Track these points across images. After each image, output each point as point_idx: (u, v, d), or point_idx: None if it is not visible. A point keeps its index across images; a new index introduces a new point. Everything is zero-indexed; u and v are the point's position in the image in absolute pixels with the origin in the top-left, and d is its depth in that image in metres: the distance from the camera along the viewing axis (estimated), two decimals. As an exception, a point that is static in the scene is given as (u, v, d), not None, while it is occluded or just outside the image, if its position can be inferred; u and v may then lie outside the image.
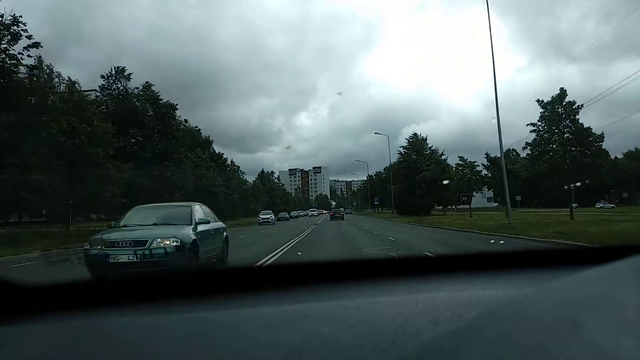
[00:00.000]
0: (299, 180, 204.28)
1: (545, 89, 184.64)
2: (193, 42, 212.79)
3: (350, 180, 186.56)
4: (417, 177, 59.89)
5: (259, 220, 47.82)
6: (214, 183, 50.23)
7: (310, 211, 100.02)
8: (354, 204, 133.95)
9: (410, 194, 60.00)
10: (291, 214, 79.31)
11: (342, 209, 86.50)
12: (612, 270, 0.68)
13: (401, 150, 68.24)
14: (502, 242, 14.39)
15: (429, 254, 1.41)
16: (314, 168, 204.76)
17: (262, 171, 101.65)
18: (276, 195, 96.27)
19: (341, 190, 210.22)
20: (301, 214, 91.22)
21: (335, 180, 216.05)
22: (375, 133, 61.79)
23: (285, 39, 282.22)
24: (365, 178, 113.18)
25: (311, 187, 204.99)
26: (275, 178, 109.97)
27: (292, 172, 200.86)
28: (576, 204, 72.58)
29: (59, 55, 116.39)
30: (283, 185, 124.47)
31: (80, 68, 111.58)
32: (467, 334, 0.54)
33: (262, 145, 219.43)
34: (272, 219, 48.27)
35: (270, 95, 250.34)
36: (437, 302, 0.81)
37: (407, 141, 67.67)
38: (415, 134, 68.50)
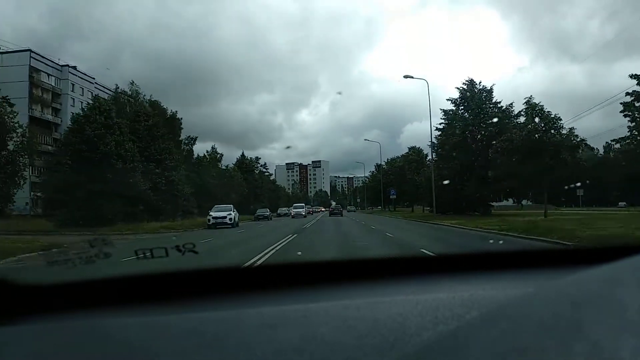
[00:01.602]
0: (297, 175, 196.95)
1: (548, 88, 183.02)
2: (194, 38, 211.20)
3: (352, 176, 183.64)
4: (484, 147, 36.13)
5: (209, 220, 30.04)
6: (118, 155, 31.23)
7: (295, 208, 55.66)
8: (358, 200, 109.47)
9: (462, 181, 36.19)
10: (279, 212, 60.59)
11: (349, 206, 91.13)
12: (612, 270, 0.68)
13: (447, 109, 40.04)
14: (501, 242, 14.25)
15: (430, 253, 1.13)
16: (313, 162, 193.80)
17: (243, 155, 72.55)
18: (259, 186, 70.17)
19: (342, 187, 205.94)
20: (292, 211, 58.88)
21: (336, 177, 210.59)
22: (406, 77, 37.37)
23: (287, 35, 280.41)
24: (369, 173, 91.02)
25: (310, 183, 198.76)
26: (260, 165, 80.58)
27: (289, 166, 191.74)
28: (624, 203, 59.96)
29: (60, 48, 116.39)
30: (271, 174, 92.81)
31: (81, 62, 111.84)
32: (468, 334, 0.54)
33: (263, 141, 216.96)
34: (231, 219, 30.41)
35: (271, 92, 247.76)
36: (437, 302, 0.81)
37: (458, 91, 39.32)
38: (471, 80, 38.84)
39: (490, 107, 38.38)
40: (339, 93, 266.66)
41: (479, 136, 37.86)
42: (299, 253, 12.07)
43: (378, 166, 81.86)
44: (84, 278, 1.06)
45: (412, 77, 37.22)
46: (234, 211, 32.04)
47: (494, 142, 36.62)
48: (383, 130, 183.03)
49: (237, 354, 0.66)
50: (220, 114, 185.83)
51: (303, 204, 61.09)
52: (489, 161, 36.57)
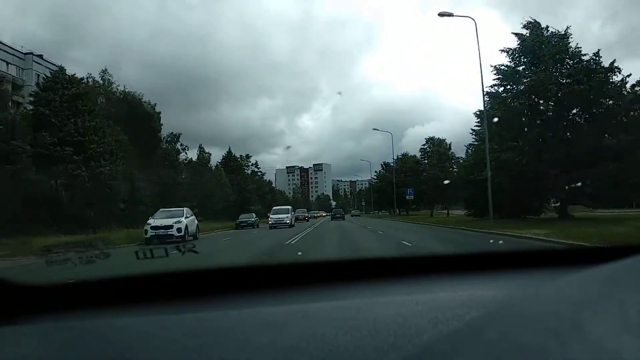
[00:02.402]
0: (297, 179, 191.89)
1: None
2: (195, 44, 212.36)
3: (356, 179, 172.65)
4: (559, 116, 24.22)
5: (145, 232, 20.23)
6: None
7: (274, 214, 35.69)
8: (363, 204, 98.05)
9: (532, 167, 23.39)
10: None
11: (353, 210, 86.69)
12: (612, 270, 0.68)
13: (499, 66, 26.05)
14: (501, 242, 13.79)
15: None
16: (314, 165, 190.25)
17: (229, 152, 61.29)
18: (249, 188, 59.25)
19: (344, 191, 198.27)
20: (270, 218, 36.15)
21: (338, 180, 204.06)
22: (442, 14, 23.14)
23: (288, 40, 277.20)
24: (375, 173, 74.94)
25: (312, 187, 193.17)
26: (252, 164, 70.54)
27: (290, 169, 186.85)
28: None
29: (61, 55, 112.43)
30: (263, 174, 78.04)
31: (82, 68, 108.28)
32: (467, 335, 0.54)
33: (264, 147, 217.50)
34: (181, 229, 20.24)
35: (272, 97, 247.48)
36: (438, 302, 0.82)
37: (517, 39, 25.98)
38: (535, 22, 25.89)
39: (566, 59, 24.73)
40: (339, 93, 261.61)
41: (553, 99, 24.74)
42: (300, 253, 11.91)
43: (386, 165, 68.96)
44: (84, 278, 1.06)
45: (452, 15, 24.33)
46: (187, 217, 21.40)
47: (574, 110, 24.84)
48: (385, 134, 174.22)
49: (237, 354, 0.67)
50: (222, 120, 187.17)
51: (288, 207, 38.15)
52: (575, 136, 24.07)
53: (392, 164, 60.05)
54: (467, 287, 1.04)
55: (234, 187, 54.32)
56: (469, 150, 35.49)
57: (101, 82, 46.13)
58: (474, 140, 33.91)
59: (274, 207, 39.20)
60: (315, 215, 74.30)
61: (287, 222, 33.20)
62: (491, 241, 14.45)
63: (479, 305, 0.77)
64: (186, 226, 20.55)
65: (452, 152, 53.20)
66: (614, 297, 0.56)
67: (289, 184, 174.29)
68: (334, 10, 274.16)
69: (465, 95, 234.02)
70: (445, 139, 55.29)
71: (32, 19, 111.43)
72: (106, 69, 46.52)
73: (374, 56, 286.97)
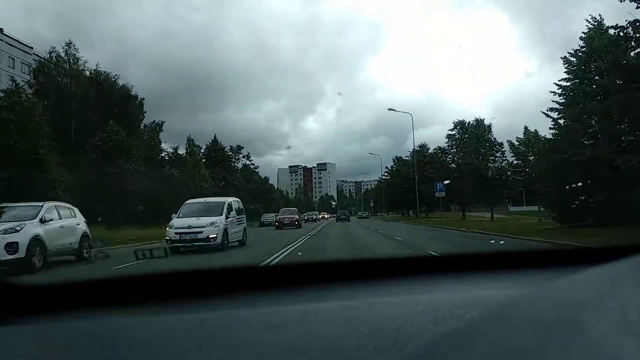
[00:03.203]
0: (300, 179, 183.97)
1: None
2: (200, 46, 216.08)
3: (360, 180, 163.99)
4: None
5: None
6: None
7: (184, 217, 15.04)
8: (371, 204, 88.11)
9: None
10: (262, 219, 41.89)
11: (360, 212, 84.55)
12: (612, 270, 0.69)
13: None
14: (502, 242, 13.94)
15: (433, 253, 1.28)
16: (318, 164, 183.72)
17: (215, 140, 54.81)
18: (231, 181, 50.62)
19: (349, 191, 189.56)
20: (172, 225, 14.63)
21: (342, 181, 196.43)
22: None
23: (293, 42, 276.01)
24: (383, 174, 68.15)
25: (315, 187, 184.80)
26: (243, 156, 63.37)
27: (292, 169, 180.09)
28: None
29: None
30: (257, 167, 70.35)
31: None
32: (468, 335, 0.54)
33: (269, 149, 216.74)
34: (23, 245, 10.36)
35: (277, 99, 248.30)
36: (438, 302, 0.82)
37: None
38: None
39: None
40: (339, 94, 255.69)
41: None
42: (300, 253, 12.15)
43: (398, 159, 61.81)
44: (84, 278, 1.06)
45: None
46: (45, 221, 11.62)
47: None
48: (389, 137, 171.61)
49: (237, 354, 0.67)
50: (227, 122, 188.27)
51: (222, 201, 16.67)
52: None
53: (408, 157, 50.38)
54: (468, 287, 1.05)
55: (218, 181, 46.06)
56: (553, 119, 22.45)
57: (65, 57, 40.73)
58: (559, 104, 22.23)
59: (187, 202, 17.46)
60: (314, 217, 61.03)
61: (212, 235, 14.42)
62: (492, 241, 14.45)
63: (480, 305, 0.77)
64: (36, 239, 10.92)
65: (493, 137, 42.09)
66: (614, 297, 0.55)
67: (292, 184, 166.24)
68: (340, 12, 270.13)
69: (471, 98, 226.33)
70: (484, 119, 43.50)
71: (37, 19, 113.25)
72: (71, 43, 40.96)
73: (380, 58, 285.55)
